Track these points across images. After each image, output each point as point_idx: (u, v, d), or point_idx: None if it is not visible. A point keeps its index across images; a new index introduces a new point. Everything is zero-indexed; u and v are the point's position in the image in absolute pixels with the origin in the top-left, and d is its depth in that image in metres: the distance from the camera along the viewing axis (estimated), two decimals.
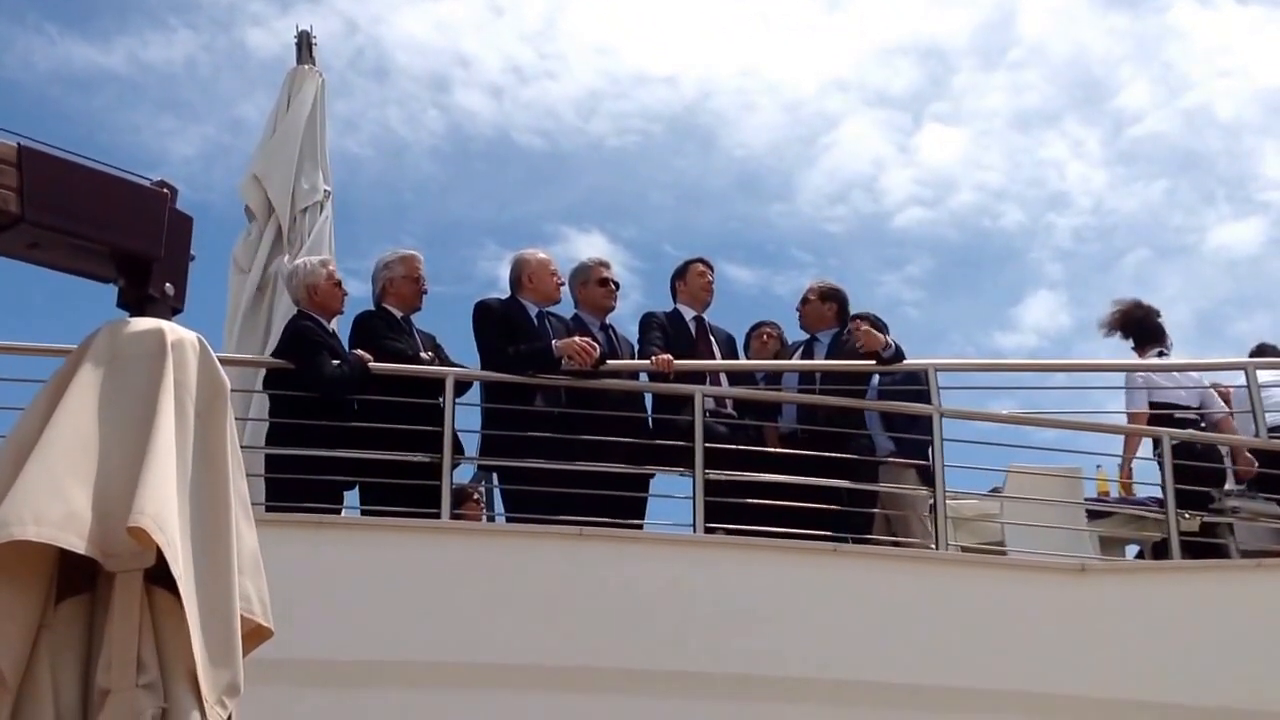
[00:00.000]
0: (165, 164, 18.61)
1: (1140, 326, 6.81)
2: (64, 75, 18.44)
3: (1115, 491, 6.87)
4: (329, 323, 5.97)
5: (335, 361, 5.64)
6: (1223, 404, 6.70)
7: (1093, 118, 20.94)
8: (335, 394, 5.57)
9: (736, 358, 6.59)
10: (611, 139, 21.23)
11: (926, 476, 5.93)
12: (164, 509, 1.94)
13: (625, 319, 6.43)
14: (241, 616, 2.07)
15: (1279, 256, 20.74)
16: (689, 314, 6.47)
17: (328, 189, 7.01)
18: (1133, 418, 6.56)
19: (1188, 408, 6.57)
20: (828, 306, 6.55)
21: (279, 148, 6.91)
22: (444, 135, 21.38)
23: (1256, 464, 6.51)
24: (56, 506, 1.93)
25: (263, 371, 5.97)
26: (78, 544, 1.93)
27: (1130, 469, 6.61)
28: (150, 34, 20.05)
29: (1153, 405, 6.52)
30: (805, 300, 6.62)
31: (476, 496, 6.45)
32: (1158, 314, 6.87)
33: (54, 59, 18.28)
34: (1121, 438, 6.63)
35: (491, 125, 21.11)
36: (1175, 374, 6.71)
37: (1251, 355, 6.99)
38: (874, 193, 21.93)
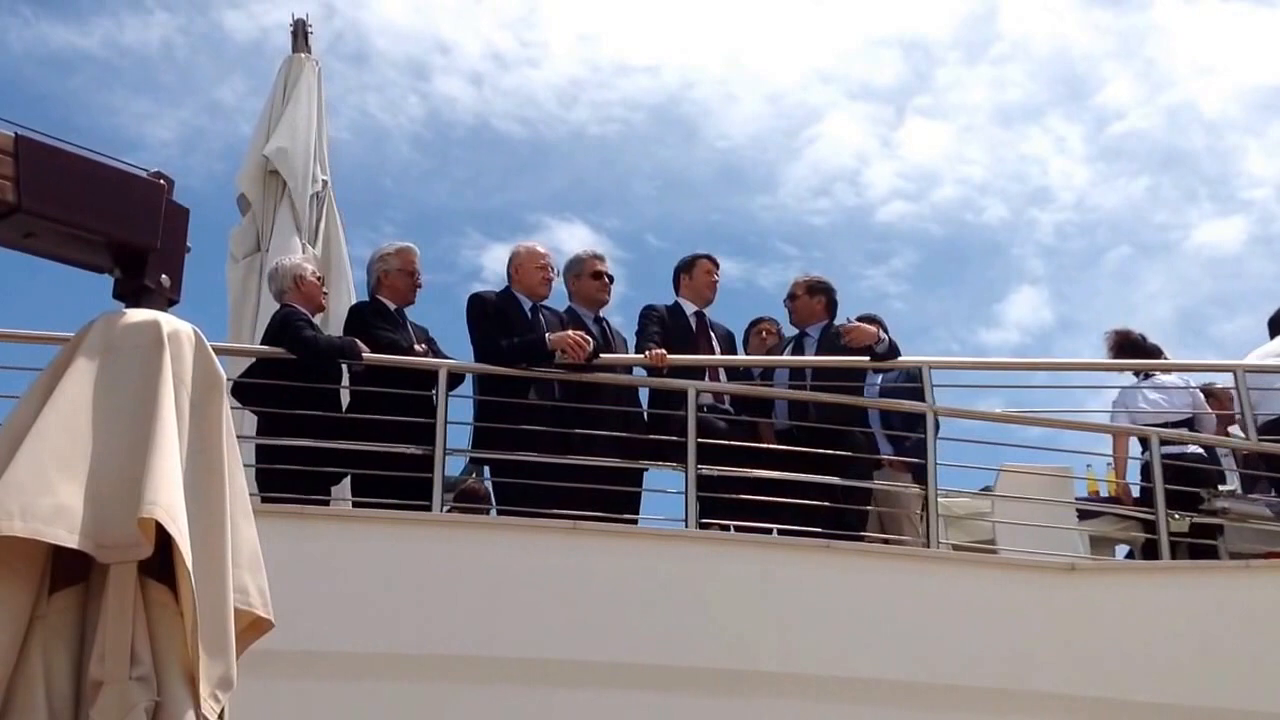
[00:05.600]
0: (142, 147, 18.54)
1: (1137, 351, 6.92)
2: (40, 56, 18.34)
3: (1105, 491, 6.91)
4: (312, 316, 5.95)
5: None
6: (1207, 408, 6.78)
7: (1075, 114, 20.98)
8: (333, 358, 5.59)
9: (735, 355, 6.57)
10: (593, 128, 21.16)
11: (919, 475, 5.93)
12: (174, 501, 1.94)
13: (611, 310, 6.43)
14: (238, 609, 2.06)
15: (1260, 256, 20.79)
16: (690, 309, 6.45)
17: (325, 178, 6.99)
18: (1118, 436, 6.64)
19: (1181, 413, 6.65)
20: (816, 300, 6.54)
21: (282, 138, 6.87)
22: (424, 122, 21.29)
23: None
24: (45, 500, 1.91)
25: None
26: (67, 538, 1.91)
27: (1124, 471, 6.66)
28: (127, 16, 19.96)
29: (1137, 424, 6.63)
30: (793, 295, 6.60)
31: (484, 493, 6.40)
32: (1144, 337, 7.00)
33: (29, 40, 18.16)
34: (1110, 437, 6.69)
35: (472, 113, 21.04)
36: (1160, 388, 6.78)
37: (1271, 320, 7.04)
38: (857, 186, 21.95)
